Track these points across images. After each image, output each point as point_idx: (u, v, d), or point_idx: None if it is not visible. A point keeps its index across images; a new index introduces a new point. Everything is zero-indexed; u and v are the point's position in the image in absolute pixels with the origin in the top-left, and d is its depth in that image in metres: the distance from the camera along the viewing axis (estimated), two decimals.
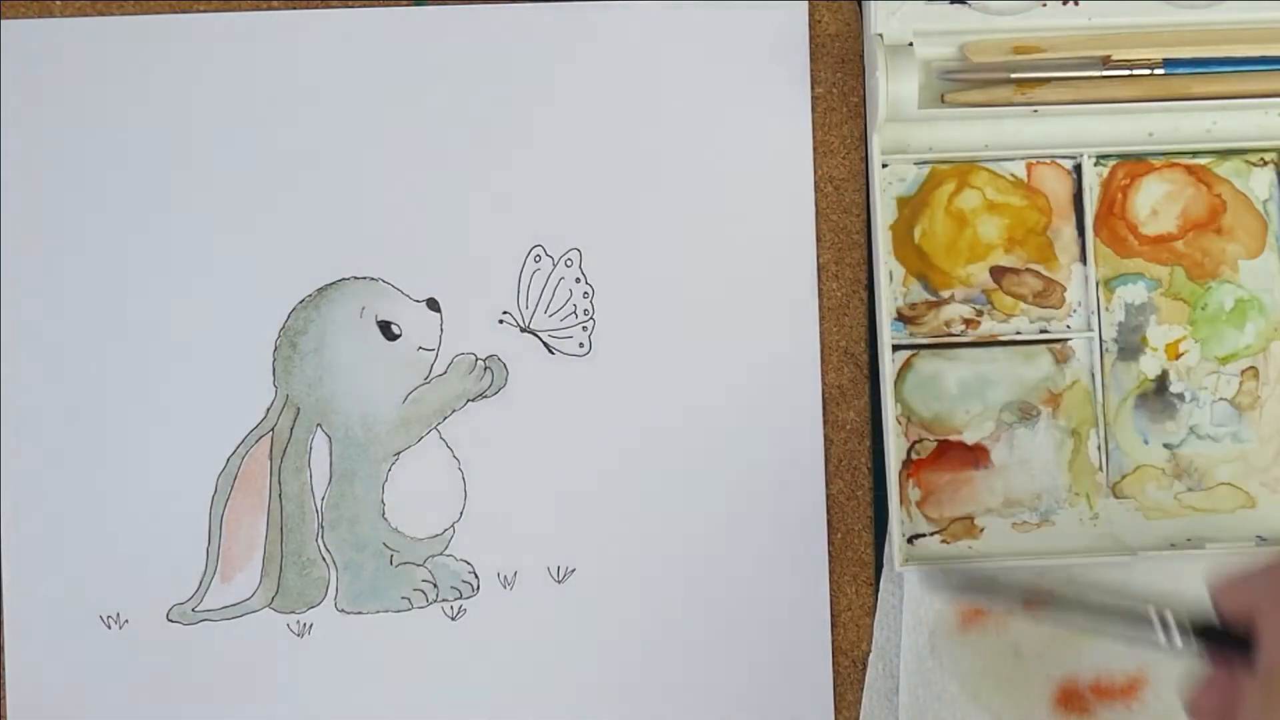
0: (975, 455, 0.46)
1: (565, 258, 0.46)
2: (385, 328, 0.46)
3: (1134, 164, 0.47)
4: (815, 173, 0.47)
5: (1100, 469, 0.46)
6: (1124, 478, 0.46)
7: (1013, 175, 0.47)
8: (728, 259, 0.46)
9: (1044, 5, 0.46)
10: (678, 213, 0.46)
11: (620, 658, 0.45)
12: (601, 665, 0.45)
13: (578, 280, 0.46)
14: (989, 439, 0.46)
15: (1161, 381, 0.47)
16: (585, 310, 0.46)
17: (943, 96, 0.46)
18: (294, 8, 0.47)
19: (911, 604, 0.46)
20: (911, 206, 0.47)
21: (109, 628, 0.45)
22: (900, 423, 0.46)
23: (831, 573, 0.46)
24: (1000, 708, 0.45)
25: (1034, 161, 0.47)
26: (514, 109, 0.47)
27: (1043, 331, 0.46)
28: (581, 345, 0.46)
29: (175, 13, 0.46)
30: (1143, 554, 0.44)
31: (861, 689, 0.46)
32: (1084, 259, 0.47)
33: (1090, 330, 0.46)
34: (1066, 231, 0.47)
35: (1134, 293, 0.47)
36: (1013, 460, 0.46)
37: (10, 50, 0.46)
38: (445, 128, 0.46)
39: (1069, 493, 0.46)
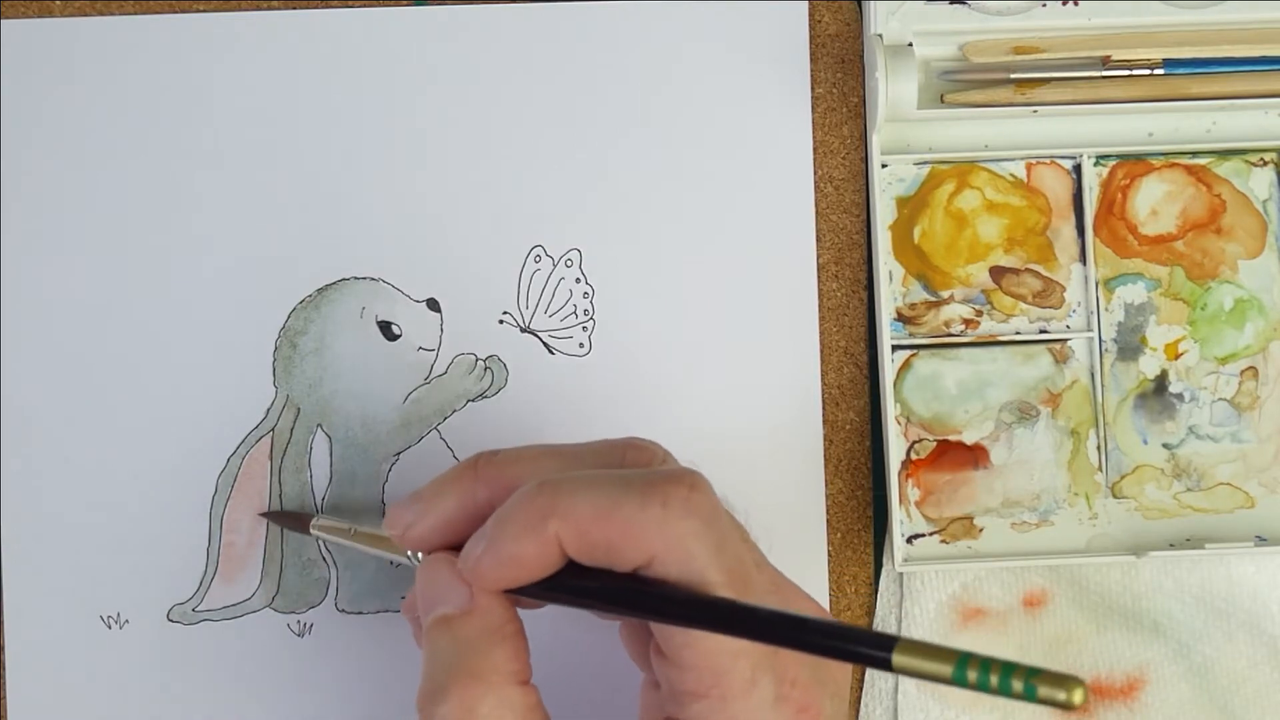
0: (974, 455, 0.46)
1: (565, 258, 0.46)
2: (385, 328, 0.46)
3: (1134, 164, 0.47)
4: (815, 173, 0.47)
5: (1099, 469, 0.46)
6: (1123, 478, 0.46)
7: (1012, 175, 0.47)
8: (727, 259, 0.46)
9: (1044, 5, 0.46)
10: (677, 213, 0.47)
11: (621, 654, 0.45)
12: (602, 660, 0.45)
13: (578, 280, 0.46)
14: (988, 439, 0.46)
15: (1161, 381, 0.47)
16: (585, 310, 0.46)
17: (943, 96, 0.46)
18: (294, 8, 0.47)
19: (911, 604, 0.46)
20: (911, 206, 0.47)
21: (109, 628, 0.45)
22: (900, 423, 0.46)
23: (831, 573, 0.46)
24: (1000, 707, 0.46)
25: (1034, 161, 0.47)
26: (514, 109, 0.47)
27: (1042, 331, 0.46)
28: (581, 345, 0.46)
29: (175, 13, 0.46)
30: (1142, 554, 0.44)
31: (861, 689, 0.46)
32: (1084, 259, 0.47)
33: (1090, 330, 0.46)
34: (1066, 231, 0.47)
35: (1133, 293, 0.47)
36: (1012, 460, 0.46)
37: (10, 50, 0.46)
38: (445, 128, 0.46)
39: (1068, 493, 0.46)
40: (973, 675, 0.27)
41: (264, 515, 0.45)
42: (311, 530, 0.43)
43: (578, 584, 0.34)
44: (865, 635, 0.29)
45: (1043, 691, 0.26)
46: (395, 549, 0.38)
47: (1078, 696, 0.26)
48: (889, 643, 0.28)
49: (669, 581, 0.32)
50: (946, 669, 0.27)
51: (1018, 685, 0.26)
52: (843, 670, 0.35)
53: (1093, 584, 0.46)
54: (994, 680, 0.26)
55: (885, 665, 0.28)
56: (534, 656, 0.35)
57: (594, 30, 0.47)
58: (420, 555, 0.36)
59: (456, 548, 0.35)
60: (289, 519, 0.44)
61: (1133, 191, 0.47)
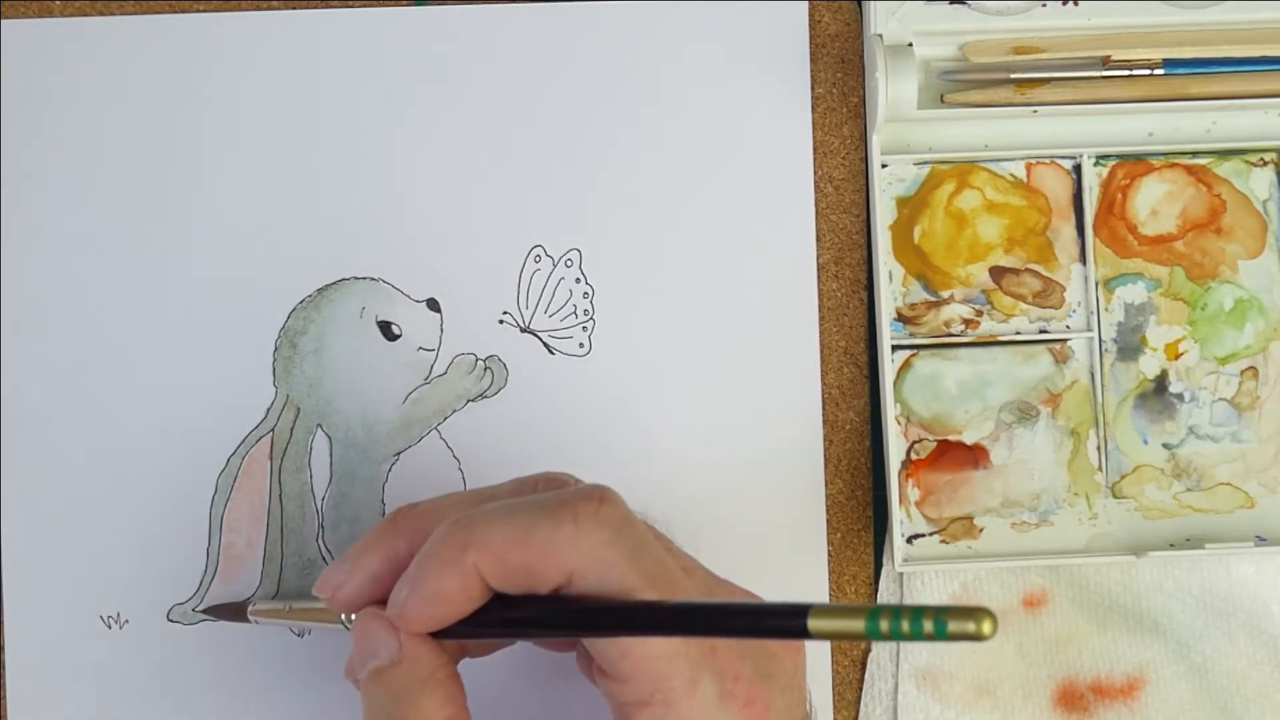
0: (974, 455, 0.46)
1: (565, 258, 0.46)
2: (385, 328, 0.46)
3: (1134, 164, 0.47)
4: (815, 173, 0.47)
5: (1099, 469, 0.46)
6: (1123, 478, 0.46)
7: (1012, 175, 0.47)
8: (728, 259, 0.46)
9: (1044, 5, 0.46)
10: (677, 213, 0.47)
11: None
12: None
13: (578, 280, 0.46)
14: (988, 439, 0.46)
15: (1161, 381, 0.47)
16: (585, 310, 0.46)
17: (943, 96, 0.46)
18: (294, 8, 0.47)
19: (911, 604, 0.46)
20: (911, 206, 0.47)
21: (109, 628, 0.45)
22: (900, 423, 0.46)
23: (831, 573, 0.46)
24: (1000, 707, 0.46)
25: (1034, 161, 0.47)
26: (513, 109, 0.47)
27: (1042, 331, 0.47)
28: (581, 345, 0.46)
29: (175, 13, 0.46)
30: (1142, 554, 0.44)
31: (861, 689, 0.46)
32: (1084, 259, 0.47)
33: (1090, 330, 0.46)
34: (1066, 231, 0.47)
35: (1133, 293, 0.47)
36: (1012, 460, 0.46)
37: (10, 50, 0.46)
38: (445, 128, 0.46)
39: (1068, 493, 0.46)
40: (885, 625, 0.27)
41: (202, 612, 0.45)
42: (250, 617, 0.43)
43: (505, 615, 0.34)
44: (781, 608, 0.29)
45: (953, 627, 0.26)
46: (330, 617, 0.39)
47: (987, 627, 0.25)
48: (803, 610, 0.28)
49: (592, 595, 0.32)
50: (859, 624, 0.27)
51: (929, 626, 0.26)
52: (791, 661, 0.35)
53: (1093, 584, 0.46)
54: (905, 626, 0.26)
55: (803, 633, 0.28)
56: (492, 709, 0.35)
57: (594, 30, 0.47)
58: (353, 618, 0.37)
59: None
60: (227, 611, 0.45)
61: (1133, 191, 0.47)
